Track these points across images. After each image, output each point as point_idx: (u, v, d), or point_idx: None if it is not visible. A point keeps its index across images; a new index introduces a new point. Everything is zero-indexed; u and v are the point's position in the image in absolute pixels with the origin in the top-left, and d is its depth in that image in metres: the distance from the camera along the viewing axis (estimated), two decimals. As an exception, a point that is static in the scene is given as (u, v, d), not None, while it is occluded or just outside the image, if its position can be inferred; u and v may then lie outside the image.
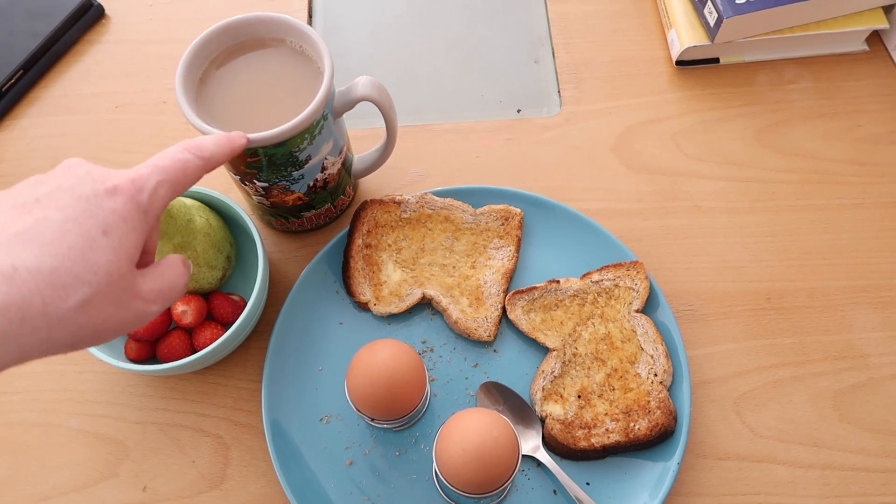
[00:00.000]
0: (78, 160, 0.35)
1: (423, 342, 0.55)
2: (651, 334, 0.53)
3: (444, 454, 0.43)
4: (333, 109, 0.50)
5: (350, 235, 0.56)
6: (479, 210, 0.57)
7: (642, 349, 0.53)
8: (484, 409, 0.44)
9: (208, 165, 0.39)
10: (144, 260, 0.38)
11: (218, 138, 0.40)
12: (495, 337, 0.54)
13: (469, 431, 0.42)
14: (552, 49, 0.69)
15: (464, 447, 0.41)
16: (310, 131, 0.48)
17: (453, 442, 0.42)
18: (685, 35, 0.65)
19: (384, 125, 0.54)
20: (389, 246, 0.57)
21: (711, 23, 0.63)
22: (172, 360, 0.51)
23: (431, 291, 0.54)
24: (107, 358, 0.49)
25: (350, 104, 0.50)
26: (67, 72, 0.68)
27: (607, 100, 0.66)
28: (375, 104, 0.51)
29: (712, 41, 0.64)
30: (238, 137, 0.42)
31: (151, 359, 0.53)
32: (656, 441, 0.50)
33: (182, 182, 0.37)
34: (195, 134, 0.64)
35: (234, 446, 0.52)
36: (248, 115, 0.49)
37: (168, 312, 0.52)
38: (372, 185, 0.62)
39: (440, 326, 0.55)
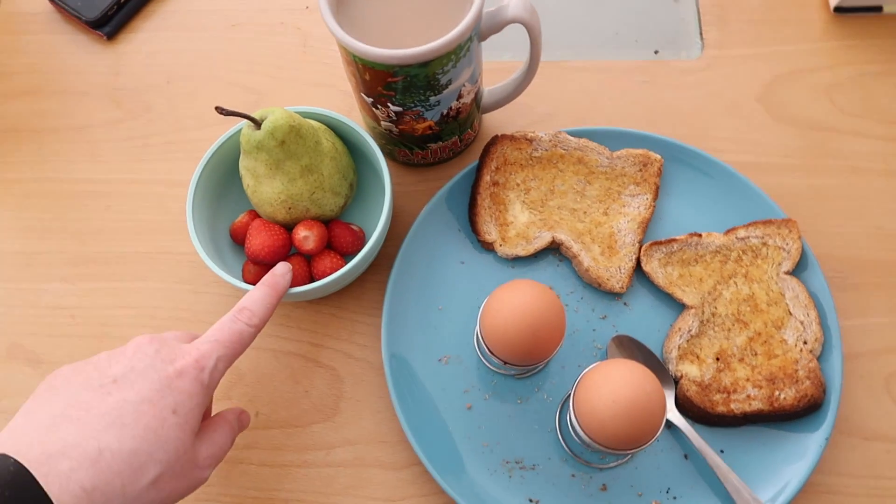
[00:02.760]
0: (146, 339, 0.39)
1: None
2: (802, 299, 0.48)
3: (589, 405, 0.40)
4: (480, 31, 0.46)
5: (478, 171, 0.53)
6: (616, 154, 0.53)
7: (791, 314, 0.49)
8: (632, 361, 0.41)
9: (260, 328, 0.42)
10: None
11: (267, 295, 0.43)
12: (627, 289, 0.51)
13: (621, 383, 0.39)
14: (695, -13, 0.64)
15: (614, 399, 0.38)
16: (455, 53, 0.44)
17: (602, 392, 0.39)
18: (849, -23, 0.59)
19: (512, 58, 0.50)
20: (518, 185, 0.53)
21: (885, -37, 0.57)
22: (290, 286, 0.50)
23: (562, 236, 0.51)
24: (226, 277, 0.48)
25: (497, 26, 0.47)
26: (185, -14, 0.66)
27: (754, 45, 0.61)
28: (526, 27, 0.47)
29: (883, -15, 0.58)
30: (282, 276, 0.45)
31: (268, 284, 0.51)
32: (803, 413, 0.46)
33: (238, 351, 0.41)
34: (310, 61, 0.62)
35: (347, 379, 0.51)
36: (390, 31, 0.46)
37: (289, 237, 0.50)
38: (496, 123, 0.59)
39: (567, 273, 0.52)
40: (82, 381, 0.36)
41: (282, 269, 0.46)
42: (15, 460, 0.31)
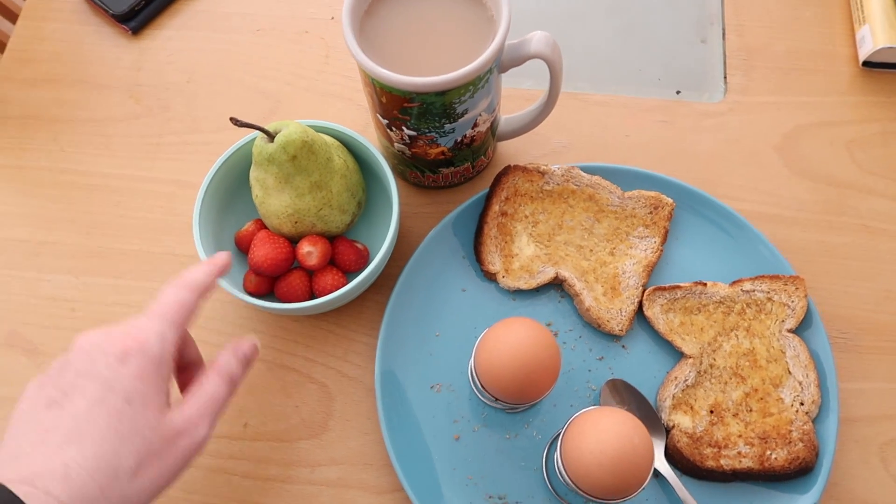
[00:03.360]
0: (86, 336, 0.38)
1: (548, 325, 0.51)
2: (803, 359, 0.48)
3: (576, 452, 0.39)
4: (501, 64, 0.46)
5: (488, 200, 0.53)
6: (628, 194, 0.53)
7: (790, 373, 0.48)
8: (622, 411, 0.41)
9: (203, 295, 0.42)
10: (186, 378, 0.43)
11: (204, 266, 0.42)
12: (626, 332, 0.50)
13: (609, 433, 0.38)
14: (723, 29, 0.63)
15: (601, 449, 0.38)
16: (474, 83, 0.44)
17: (589, 441, 0.39)
18: (881, 34, 0.58)
19: (532, 86, 0.50)
20: (526, 217, 0.53)
21: (918, 23, 0.56)
22: (290, 300, 0.50)
23: (566, 273, 0.51)
24: (227, 286, 0.48)
25: (519, 60, 0.46)
26: (213, -13, 0.66)
27: (778, 93, 0.60)
28: (547, 64, 0.47)
29: (914, 44, 0.57)
30: (221, 257, 0.44)
31: (268, 295, 0.51)
32: (793, 475, 0.46)
33: (184, 319, 0.40)
34: (331, 72, 0.62)
35: (339, 398, 0.51)
36: (410, 56, 0.46)
37: (293, 251, 0.50)
38: (510, 150, 0.59)
39: (568, 311, 0.52)
40: (42, 401, 0.36)
41: (223, 254, 0.44)
42: (1, 484, 0.32)
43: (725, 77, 0.61)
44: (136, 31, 0.64)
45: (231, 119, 0.44)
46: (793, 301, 0.49)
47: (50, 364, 0.38)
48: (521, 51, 0.46)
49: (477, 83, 0.44)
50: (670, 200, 0.53)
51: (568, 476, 0.41)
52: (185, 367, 0.44)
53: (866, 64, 0.60)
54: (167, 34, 0.64)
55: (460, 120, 0.47)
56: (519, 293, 0.52)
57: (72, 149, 0.60)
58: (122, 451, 0.35)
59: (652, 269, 0.52)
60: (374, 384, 0.49)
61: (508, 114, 0.55)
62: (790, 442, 0.46)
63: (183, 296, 0.40)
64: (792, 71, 0.61)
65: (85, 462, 0.34)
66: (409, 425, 0.48)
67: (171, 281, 0.41)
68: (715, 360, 0.49)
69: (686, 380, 0.48)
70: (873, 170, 0.57)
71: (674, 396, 0.48)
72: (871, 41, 0.59)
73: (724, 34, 0.63)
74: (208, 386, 0.40)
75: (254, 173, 0.49)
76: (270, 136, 0.46)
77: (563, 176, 0.53)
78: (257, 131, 0.48)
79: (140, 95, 0.61)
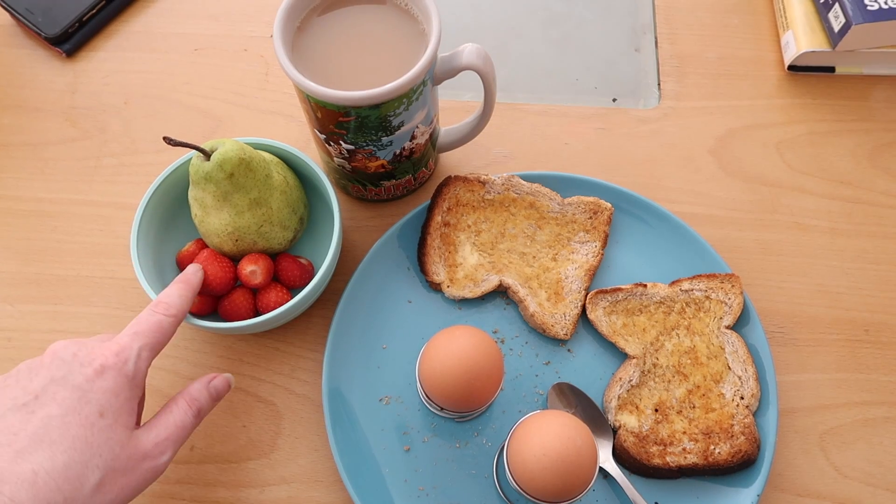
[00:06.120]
0: (62, 344, 0.39)
1: (494, 332, 0.52)
2: (741, 354, 0.49)
3: (520, 456, 0.40)
4: (434, 76, 0.47)
5: (430, 211, 0.53)
6: (567, 200, 0.54)
7: (729, 368, 0.49)
8: (565, 413, 0.41)
9: (179, 318, 0.43)
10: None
11: (180, 289, 0.44)
12: (571, 336, 0.51)
13: (551, 436, 0.39)
14: (655, 38, 0.65)
15: (544, 452, 0.38)
16: (408, 96, 0.45)
17: (532, 445, 0.39)
18: (803, 38, 0.61)
19: (472, 98, 0.51)
20: (469, 227, 0.54)
21: (836, 28, 0.59)
22: (234, 319, 0.49)
23: (509, 280, 0.51)
24: (168, 309, 0.47)
25: (452, 72, 0.47)
26: (150, 7, 0.66)
27: (710, 98, 0.62)
28: (479, 75, 0.47)
29: (833, 48, 0.59)
30: (193, 275, 0.46)
31: (212, 314, 0.51)
32: (736, 469, 0.46)
33: (161, 342, 0.41)
34: (272, 90, 0.62)
35: (287, 416, 0.50)
36: (344, 71, 0.46)
37: (234, 270, 0.50)
38: (452, 161, 0.59)
39: (513, 317, 0.52)
40: (8, 401, 0.36)
41: (192, 269, 0.46)
42: None
43: (659, 84, 0.63)
44: (71, 53, 0.63)
45: (164, 138, 0.43)
46: (729, 298, 0.51)
47: (15, 367, 0.38)
48: (454, 63, 0.47)
49: (411, 95, 0.45)
50: (609, 205, 0.54)
51: (515, 480, 0.41)
52: None
53: (791, 68, 0.62)
54: (102, 56, 0.63)
55: (397, 133, 0.47)
56: (464, 302, 0.53)
57: (5, 174, 0.58)
58: (90, 463, 0.35)
59: (594, 273, 0.53)
60: (322, 400, 0.48)
61: (449, 125, 0.55)
62: (732, 436, 0.47)
63: (160, 318, 0.41)
64: (722, 76, 0.63)
65: (53, 470, 0.34)
66: (359, 439, 0.48)
67: (147, 307, 0.42)
68: (658, 359, 0.50)
69: (630, 380, 0.49)
70: (802, 169, 0.59)
71: (619, 397, 0.48)
72: (795, 46, 0.61)
73: (656, 42, 0.65)
74: (177, 413, 0.41)
75: (192, 192, 0.48)
76: (206, 155, 0.46)
77: (503, 185, 0.54)
78: (195, 151, 0.48)
79: (76, 118, 0.60)
